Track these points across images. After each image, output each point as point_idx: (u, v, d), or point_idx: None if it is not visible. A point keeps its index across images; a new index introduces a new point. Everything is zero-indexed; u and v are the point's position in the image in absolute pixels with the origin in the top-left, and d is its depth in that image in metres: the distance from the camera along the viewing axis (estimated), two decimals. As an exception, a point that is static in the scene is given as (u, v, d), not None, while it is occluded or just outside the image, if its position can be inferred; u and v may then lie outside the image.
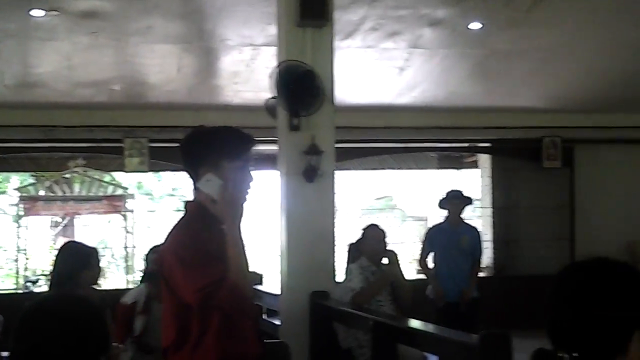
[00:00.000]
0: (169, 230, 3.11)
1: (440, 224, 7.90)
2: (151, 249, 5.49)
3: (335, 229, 6.32)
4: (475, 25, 8.73)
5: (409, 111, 10.76)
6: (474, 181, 11.89)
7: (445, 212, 7.83)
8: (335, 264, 6.32)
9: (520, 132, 11.20)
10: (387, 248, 5.85)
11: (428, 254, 7.82)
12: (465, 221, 7.82)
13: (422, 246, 7.93)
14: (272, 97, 6.36)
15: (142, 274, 5.79)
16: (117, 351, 3.63)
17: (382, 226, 6.06)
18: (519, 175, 11.62)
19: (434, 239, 7.81)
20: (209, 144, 3.03)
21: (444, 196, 7.79)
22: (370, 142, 10.95)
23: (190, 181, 3.09)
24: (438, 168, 12.17)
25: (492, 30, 8.87)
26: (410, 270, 8.38)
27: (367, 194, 13.03)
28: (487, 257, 11.38)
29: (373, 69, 9.59)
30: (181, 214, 3.16)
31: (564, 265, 1.71)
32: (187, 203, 3.18)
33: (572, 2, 8.27)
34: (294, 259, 6.21)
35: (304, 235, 6.18)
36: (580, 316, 1.60)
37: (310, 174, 6.14)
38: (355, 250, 6.05)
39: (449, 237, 7.69)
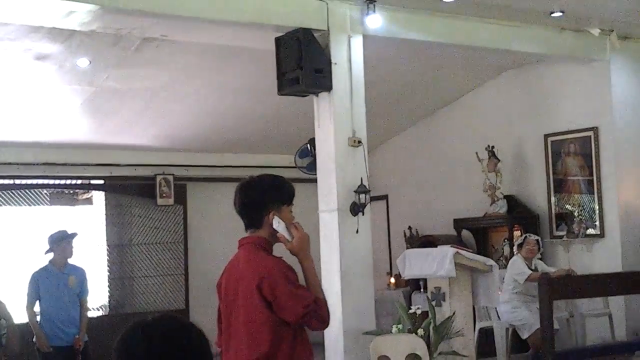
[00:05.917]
0: (245, 258, 3.63)
1: (45, 266, 7.59)
2: None
3: None
4: (83, 62, 8.60)
5: (17, 147, 10.33)
6: (89, 218, 11.66)
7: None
8: None
9: (133, 169, 11.26)
10: None
11: (35, 299, 7.48)
12: (70, 262, 7.60)
13: (27, 291, 7.55)
14: None
15: None
16: None
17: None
18: (134, 212, 11.61)
19: (39, 282, 7.49)
20: (272, 191, 3.64)
21: (48, 239, 7.52)
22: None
23: (246, 221, 3.70)
24: (50, 205, 11.75)
25: (100, 68, 8.81)
26: (20, 314, 7.92)
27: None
28: (103, 295, 11.22)
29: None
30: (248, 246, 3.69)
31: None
32: (249, 237, 3.70)
33: (179, 45, 8.46)
34: None
35: None
36: None
37: None
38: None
39: (55, 280, 7.45)
